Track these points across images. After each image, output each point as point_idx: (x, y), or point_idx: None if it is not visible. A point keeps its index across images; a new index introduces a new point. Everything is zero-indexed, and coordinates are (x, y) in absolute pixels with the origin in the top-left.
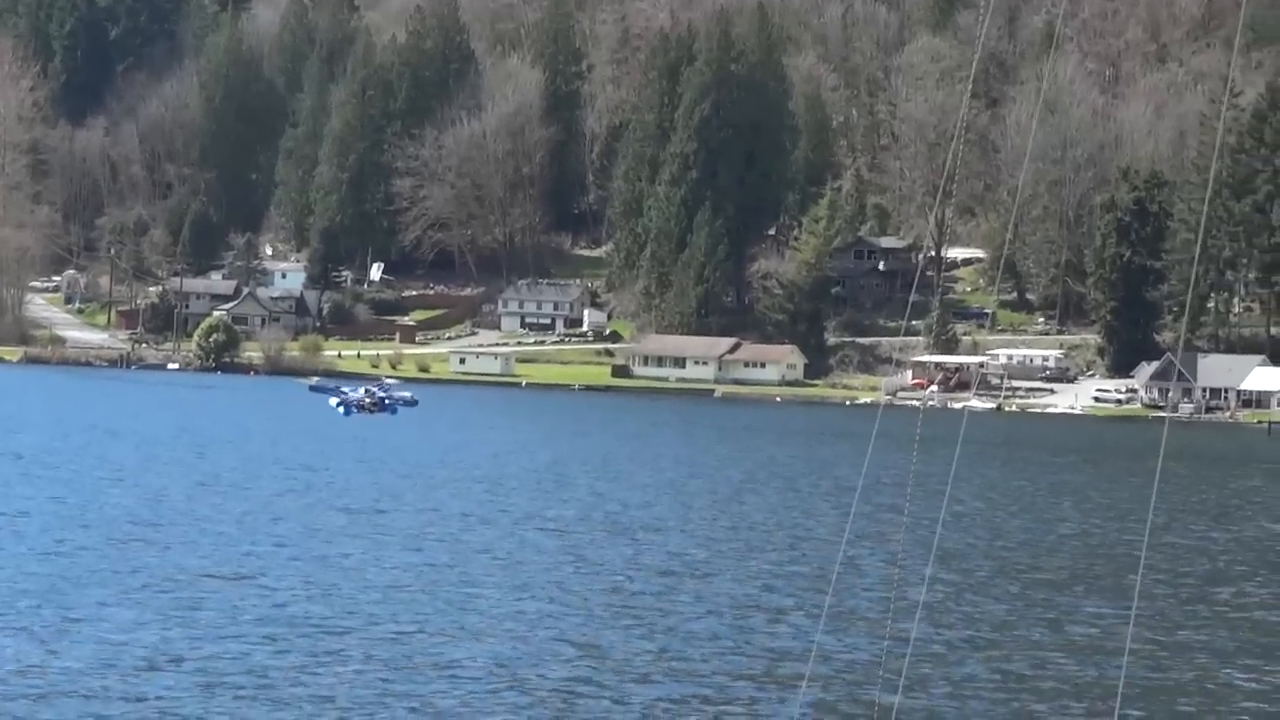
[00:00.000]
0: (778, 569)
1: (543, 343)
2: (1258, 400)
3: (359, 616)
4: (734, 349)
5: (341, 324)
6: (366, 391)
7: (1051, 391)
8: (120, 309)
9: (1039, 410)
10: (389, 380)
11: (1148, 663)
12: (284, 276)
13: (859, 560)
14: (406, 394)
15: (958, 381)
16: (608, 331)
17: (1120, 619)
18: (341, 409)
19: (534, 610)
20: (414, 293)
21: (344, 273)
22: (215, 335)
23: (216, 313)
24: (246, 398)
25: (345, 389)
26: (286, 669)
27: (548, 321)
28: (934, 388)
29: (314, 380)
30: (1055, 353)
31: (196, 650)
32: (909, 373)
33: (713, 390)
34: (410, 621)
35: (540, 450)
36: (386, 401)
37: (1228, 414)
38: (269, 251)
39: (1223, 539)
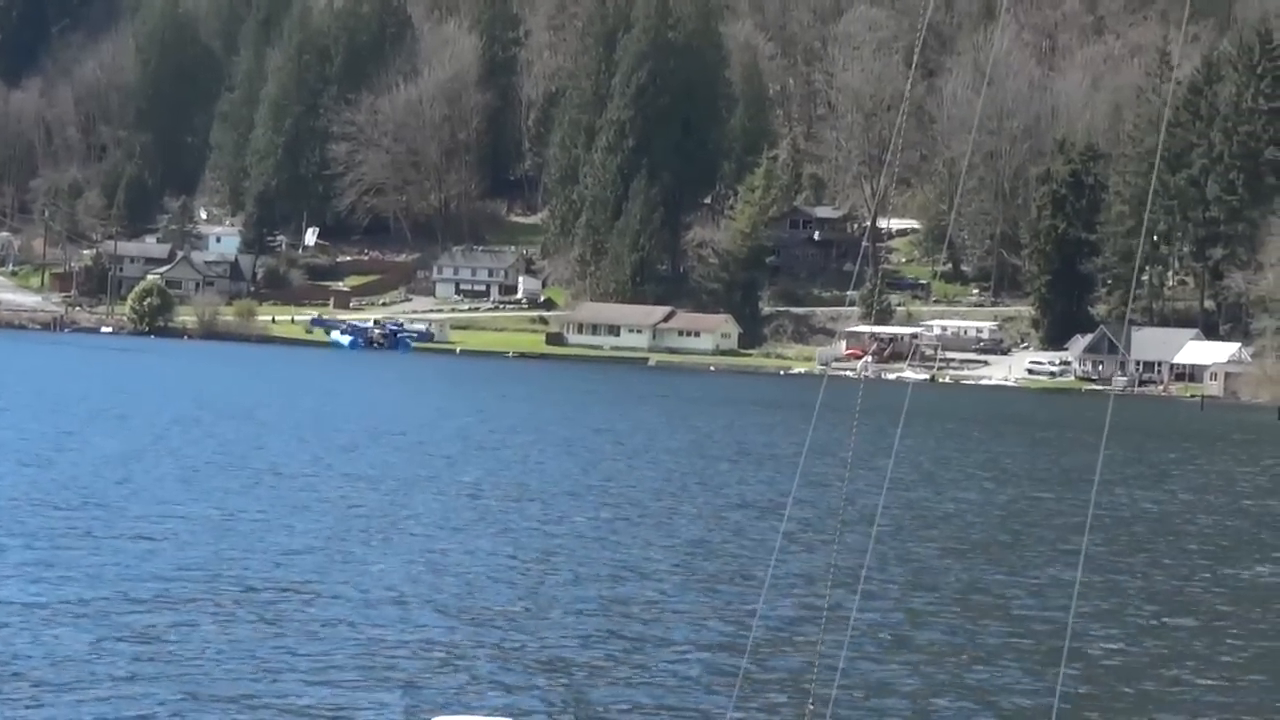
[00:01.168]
0: (715, 547)
1: (477, 309)
2: (1191, 374)
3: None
4: (668, 318)
5: (276, 289)
6: (375, 323)
7: (985, 363)
8: (54, 272)
9: (973, 382)
10: (400, 318)
11: (1093, 630)
12: (219, 241)
13: (796, 536)
14: (420, 328)
15: (891, 352)
16: (542, 299)
17: (1063, 589)
18: (347, 340)
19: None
20: (349, 258)
21: (279, 237)
22: (149, 299)
23: (151, 276)
24: (217, 356)
25: (351, 320)
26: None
27: (483, 288)
28: (868, 358)
29: (317, 314)
30: (989, 324)
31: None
32: (843, 343)
33: (647, 359)
34: (266, 580)
35: (463, 415)
36: (398, 336)
37: (1161, 387)
38: (204, 215)
39: (1157, 508)
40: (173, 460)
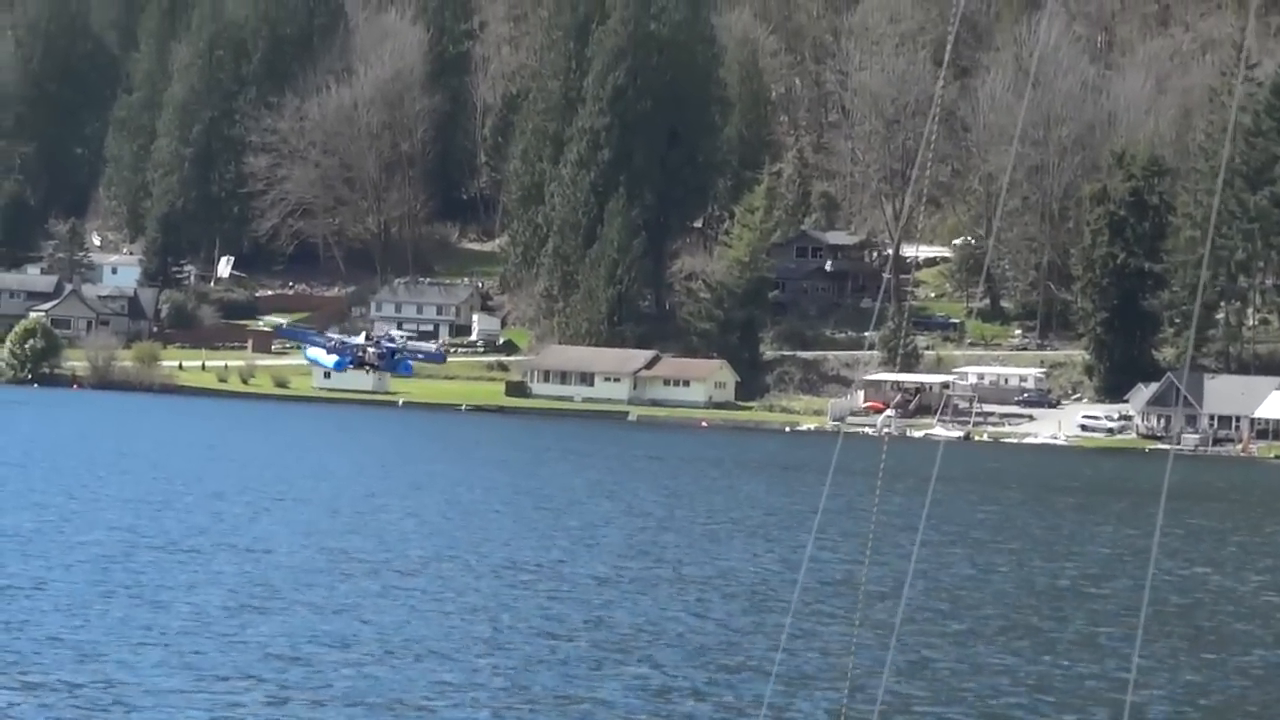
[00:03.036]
0: (727, 620)
1: None
2: (1275, 431)
3: None
4: (652, 364)
5: (183, 328)
6: (369, 338)
7: (1030, 418)
8: None
9: (1015, 440)
10: (395, 332)
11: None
12: (115, 272)
13: (807, 625)
14: (432, 346)
15: (918, 405)
16: (501, 341)
17: (1119, 678)
18: (331, 360)
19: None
20: (270, 292)
21: (186, 268)
22: (31, 341)
23: (34, 314)
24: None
25: (333, 335)
26: None
27: (430, 329)
28: (890, 412)
29: (285, 323)
30: (1035, 372)
31: None
32: (861, 394)
33: (626, 413)
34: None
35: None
36: (397, 355)
37: (1239, 446)
38: (97, 241)
39: (1236, 591)
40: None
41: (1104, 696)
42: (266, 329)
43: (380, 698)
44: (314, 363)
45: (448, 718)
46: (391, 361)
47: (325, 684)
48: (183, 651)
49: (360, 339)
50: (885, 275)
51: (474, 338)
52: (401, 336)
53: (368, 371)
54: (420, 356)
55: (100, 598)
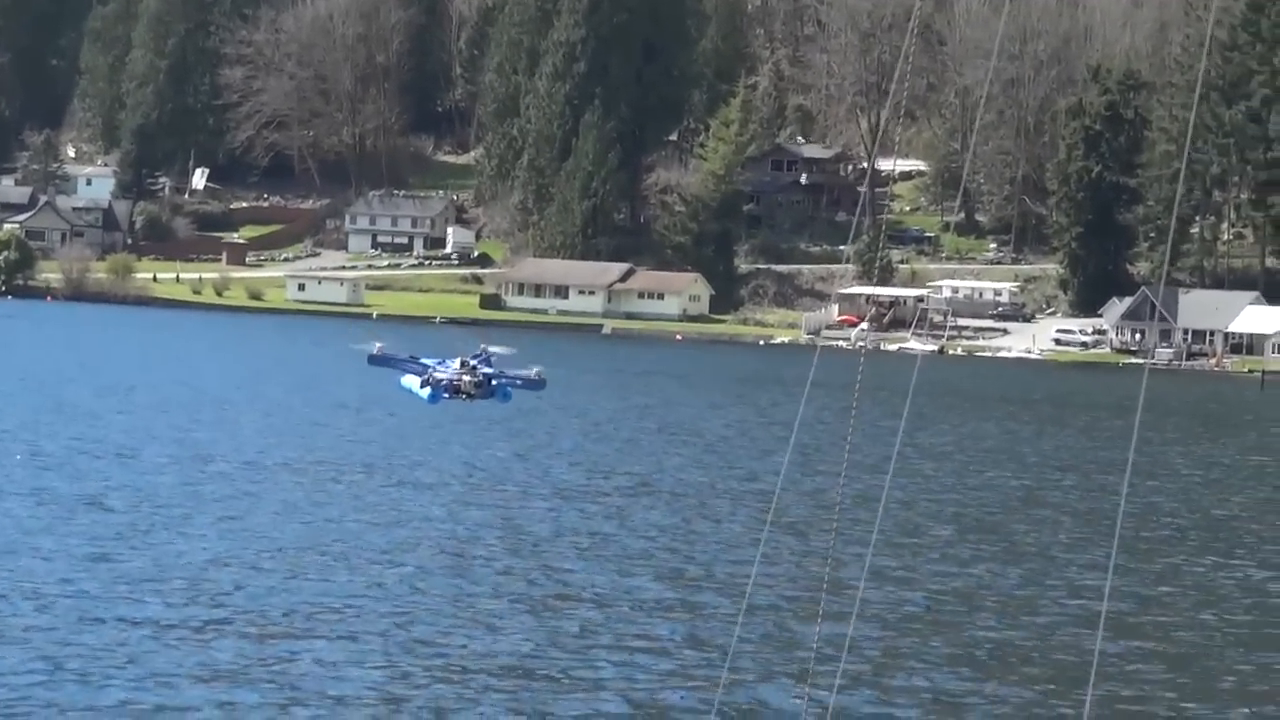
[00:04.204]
0: (695, 545)
1: (398, 266)
2: (1249, 345)
3: None
4: (626, 277)
5: (158, 240)
6: (463, 365)
7: (1005, 332)
8: None
9: (989, 354)
10: (493, 349)
11: (1123, 641)
12: (89, 183)
13: (785, 536)
14: (531, 372)
15: (893, 319)
16: (476, 254)
17: (1088, 595)
18: (426, 392)
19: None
20: (245, 204)
21: (161, 180)
22: (6, 253)
23: (8, 226)
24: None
25: (429, 362)
26: None
27: (404, 241)
28: (865, 326)
29: (376, 348)
30: (1009, 286)
31: None
32: (835, 307)
33: (600, 325)
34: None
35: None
36: (494, 382)
37: (1213, 360)
38: (71, 153)
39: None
40: None
41: (1080, 606)
42: (241, 241)
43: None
44: (407, 391)
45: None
46: (489, 388)
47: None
48: (71, 565)
49: (455, 365)
50: (860, 189)
51: (448, 250)
52: (491, 357)
53: (465, 399)
54: (519, 383)
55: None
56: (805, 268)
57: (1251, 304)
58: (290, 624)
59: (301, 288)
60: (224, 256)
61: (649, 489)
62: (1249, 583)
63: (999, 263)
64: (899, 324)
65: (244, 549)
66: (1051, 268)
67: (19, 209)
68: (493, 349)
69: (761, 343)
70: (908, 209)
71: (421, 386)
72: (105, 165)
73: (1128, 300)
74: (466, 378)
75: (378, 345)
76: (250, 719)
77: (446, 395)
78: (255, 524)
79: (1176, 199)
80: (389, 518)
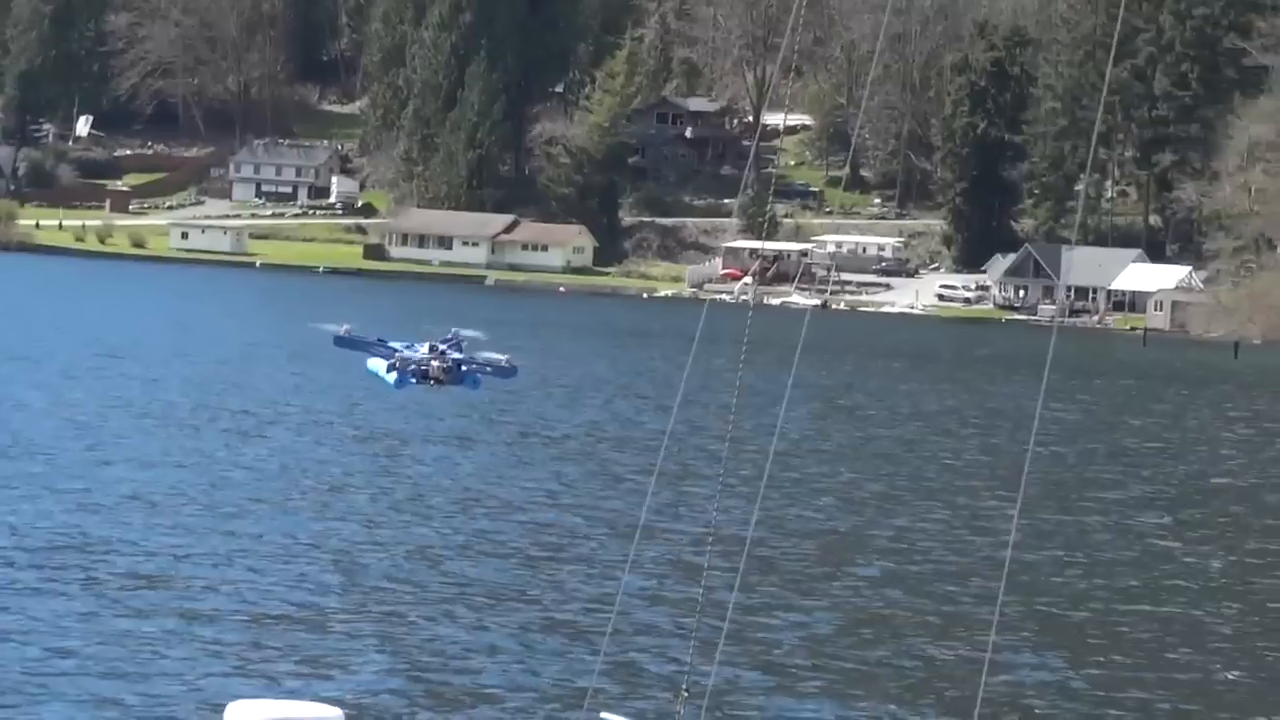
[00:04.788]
0: (574, 507)
1: (282, 215)
2: (1131, 303)
3: None
4: (510, 228)
5: (40, 188)
6: (432, 349)
7: (888, 287)
8: None
9: (872, 309)
10: (465, 332)
11: (1024, 595)
12: None
13: (668, 497)
14: (499, 357)
15: (776, 273)
16: (360, 204)
17: (996, 545)
18: (392, 377)
19: None
20: (129, 152)
21: (45, 126)
22: None
23: None
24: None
25: (397, 345)
26: None
27: (289, 190)
28: (748, 279)
29: (343, 329)
30: (893, 241)
31: None
32: (719, 261)
33: (484, 277)
34: None
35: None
36: (464, 368)
37: (1096, 318)
38: None
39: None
40: None
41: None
42: (125, 189)
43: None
44: (373, 375)
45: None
46: (458, 374)
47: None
48: None
49: (424, 349)
50: (746, 143)
51: (332, 200)
52: (461, 342)
53: (432, 385)
54: (489, 370)
55: None
56: (690, 221)
57: (1135, 262)
58: (141, 577)
59: (185, 236)
60: (108, 204)
61: (531, 439)
62: (1141, 533)
63: (883, 218)
64: (782, 278)
65: (102, 499)
66: (936, 223)
67: None
68: (464, 333)
69: (645, 296)
70: (793, 163)
71: (388, 371)
72: None
73: (1011, 257)
74: (435, 363)
75: (345, 327)
76: (88, 670)
77: (414, 381)
78: (113, 474)
79: (1082, 157)
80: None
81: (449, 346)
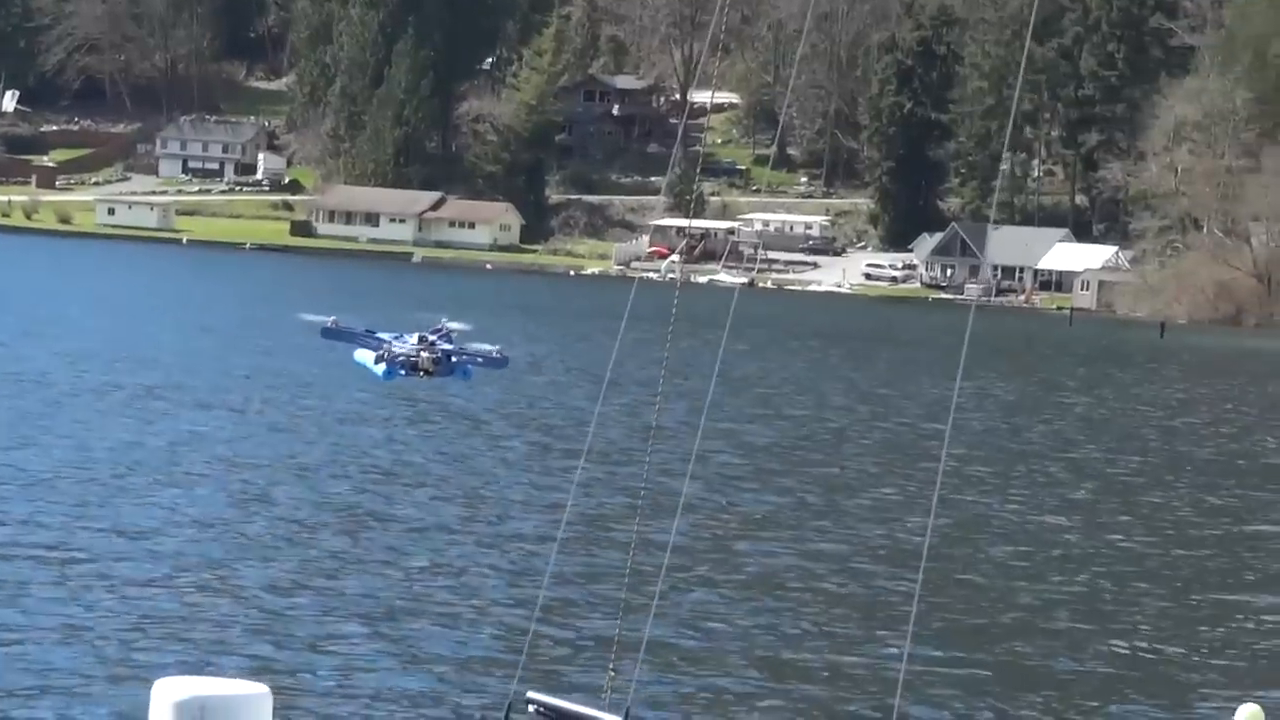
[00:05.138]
0: (498, 489)
1: (209, 192)
2: (1058, 282)
3: None
4: (437, 205)
5: None
6: (421, 340)
7: (815, 266)
8: None
9: (799, 287)
10: (452, 324)
11: (942, 577)
12: None
13: (596, 476)
14: (490, 348)
15: (703, 251)
16: (287, 181)
17: (917, 527)
18: (381, 369)
19: None
20: (55, 128)
21: None
22: None
23: None
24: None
25: (385, 336)
26: None
27: (215, 167)
28: (675, 257)
29: (330, 321)
30: (820, 219)
31: None
32: (646, 239)
33: (411, 254)
34: None
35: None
36: (454, 359)
37: (1022, 297)
38: None
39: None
40: None
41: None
42: (51, 164)
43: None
44: (361, 366)
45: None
46: (449, 366)
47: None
48: None
49: (413, 341)
50: (673, 121)
51: (259, 176)
52: (450, 334)
53: (421, 376)
54: (480, 361)
55: None
56: (616, 199)
57: (1061, 241)
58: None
59: (111, 212)
60: (34, 179)
61: (458, 417)
62: (1056, 516)
63: (810, 196)
64: (709, 256)
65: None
66: (862, 202)
67: None
68: (451, 325)
69: (572, 273)
70: (720, 142)
71: (376, 363)
72: None
73: (938, 236)
74: (425, 354)
75: (331, 319)
76: (7, 649)
77: (403, 372)
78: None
79: (1002, 135)
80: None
81: (439, 337)
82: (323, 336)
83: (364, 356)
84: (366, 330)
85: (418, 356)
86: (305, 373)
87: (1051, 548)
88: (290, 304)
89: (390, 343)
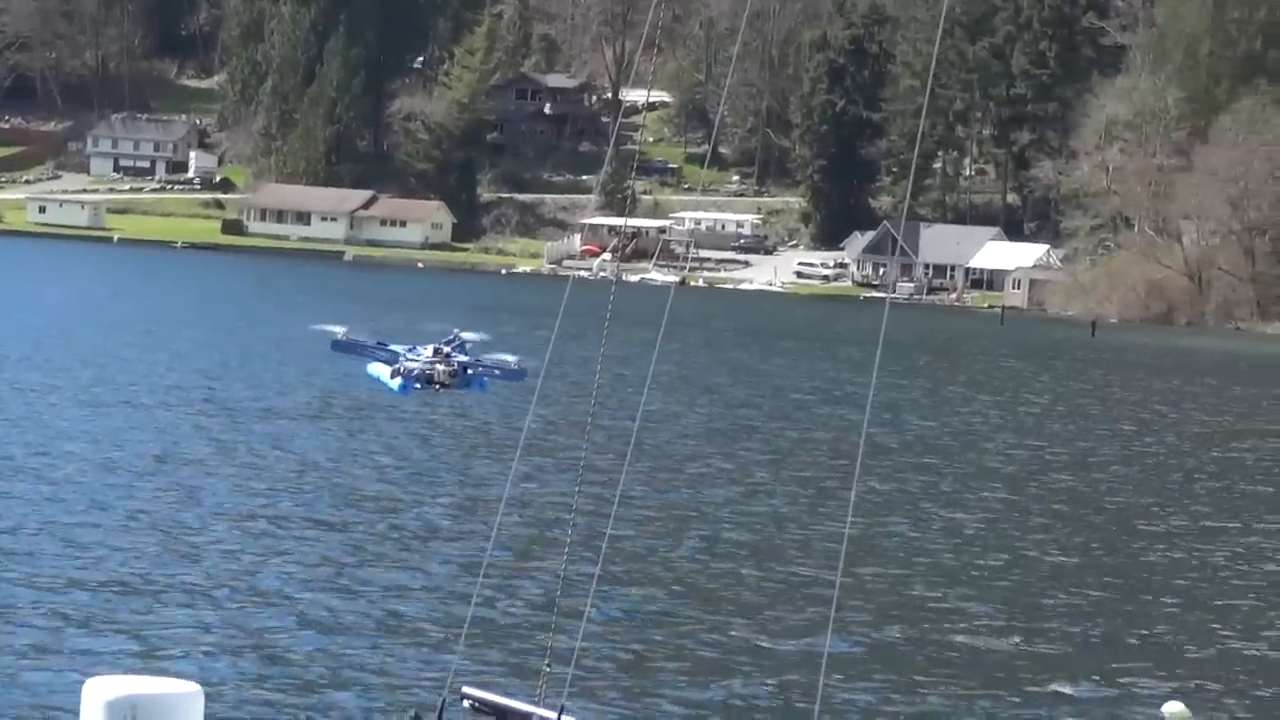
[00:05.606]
0: (436, 481)
1: (140, 190)
2: (989, 281)
3: None
4: (369, 204)
5: None
6: (436, 352)
7: (747, 264)
8: None
9: (731, 286)
10: (466, 335)
11: (863, 568)
12: None
13: (531, 471)
14: (509, 359)
15: (634, 249)
16: (218, 179)
17: (831, 532)
18: (397, 382)
19: None
20: None
21: None
22: None
23: None
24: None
25: (399, 349)
26: None
27: (147, 165)
28: (606, 256)
29: (341, 333)
30: (752, 218)
31: None
32: (577, 237)
33: (343, 253)
34: None
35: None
36: (469, 371)
37: (954, 295)
38: None
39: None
40: None
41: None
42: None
43: None
44: (375, 380)
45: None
46: (465, 379)
47: None
48: None
49: (428, 353)
50: (605, 119)
51: (191, 175)
52: (466, 345)
53: (438, 390)
54: (497, 373)
55: None
56: (548, 197)
57: (992, 240)
58: None
59: (42, 210)
60: None
61: (393, 416)
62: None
63: (742, 195)
64: (641, 255)
65: None
66: (794, 201)
67: None
68: (465, 335)
69: (504, 272)
70: (652, 140)
71: (392, 376)
72: None
73: (869, 234)
74: (440, 366)
75: (342, 330)
76: None
77: (419, 385)
78: None
79: (920, 134)
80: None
81: (453, 348)
82: (333, 349)
83: (378, 370)
84: (379, 343)
85: (433, 370)
86: (238, 367)
87: (968, 538)
88: (220, 301)
89: (404, 355)
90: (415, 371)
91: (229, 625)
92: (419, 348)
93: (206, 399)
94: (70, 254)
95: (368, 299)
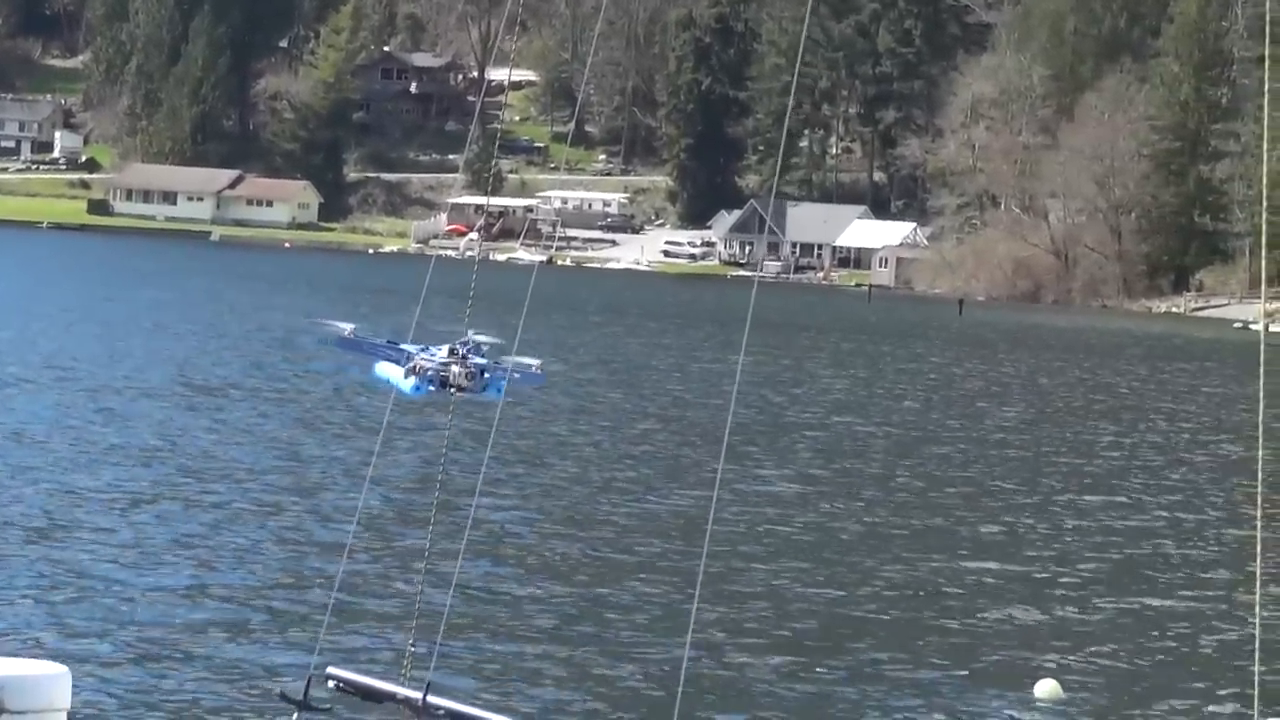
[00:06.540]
0: (297, 462)
1: (5, 171)
2: (856, 259)
3: None
4: (235, 183)
5: None
6: (452, 352)
7: (614, 243)
8: None
9: (598, 265)
10: (480, 338)
11: (724, 558)
12: None
13: (393, 454)
14: (531, 362)
15: (501, 229)
16: (84, 159)
17: (696, 517)
18: (410, 383)
19: None
20: None
21: None
22: None
23: None
24: None
25: (408, 347)
26: None
27: (11, 145)
28: (473, 235)
29: (347, 330)
30: (619, 197)
31: None
32: (444, 217)
33: (209, 233)
34: None
35: None
36: (487, 374)
37: (821, 274)
38: None
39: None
40: None
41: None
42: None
43: None
44: (386, 383)
45: None
46: (482, 381)
47: None
48: None
49: (443, 353)
50: (471, 98)
51: (56, 155)
52: (480, 346)
53: (453, 393)
54: (518, 377)
55: None
56: (415, 176)
57: (859, 218)
58: None
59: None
60: None
61: (264, 396)
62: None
63: (609, 174)
64: (508, 234)
65: None
66: (661, 180)
67: None
68: (479, 338)
69: (370, 251)
70: (518, 119)
71: (406, 377)
72: None
73: (736, 213)
74: (456, 368)
75: (349, 328)
76: None
77: (433, 387)
78: None
79: (788, 112)
80: None
81: (469, 350)
82: (337, 347)
83: (387, 370)
84: (388, 341)
85: (449, 371)
86: (111, 345)
87: (826, 514)
88: (88, 283)
89: (417, 356)
90: (430, 372)
91: (96, 607)
92: (433, 348)
93: (65, 379)
94: None
95: (235, 279)
